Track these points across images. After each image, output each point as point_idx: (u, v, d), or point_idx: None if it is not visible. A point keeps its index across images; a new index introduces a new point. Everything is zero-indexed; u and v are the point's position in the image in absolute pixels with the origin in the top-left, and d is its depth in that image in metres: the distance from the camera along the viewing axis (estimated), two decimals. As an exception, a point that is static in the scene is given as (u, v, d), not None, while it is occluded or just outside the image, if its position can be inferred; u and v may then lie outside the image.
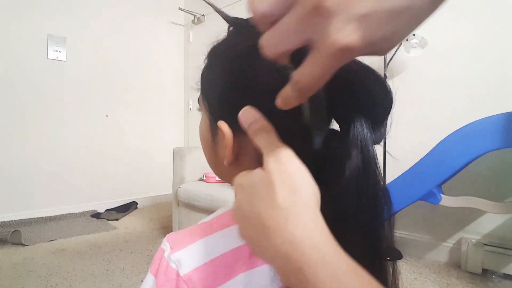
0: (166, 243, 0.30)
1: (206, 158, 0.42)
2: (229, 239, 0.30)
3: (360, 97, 0.30)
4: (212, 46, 0.39)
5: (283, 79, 0.30)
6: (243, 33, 0.37)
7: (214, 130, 0.37)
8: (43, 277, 1.59)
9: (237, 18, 0.39)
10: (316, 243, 0.23)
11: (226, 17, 0.39)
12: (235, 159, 0.36)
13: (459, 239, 1.72)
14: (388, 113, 0.33)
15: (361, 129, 0.31)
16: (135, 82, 3.14)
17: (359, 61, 0.32)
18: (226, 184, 2.06)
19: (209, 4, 0.44)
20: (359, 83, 0.30)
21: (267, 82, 0.32)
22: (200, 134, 0.42)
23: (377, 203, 0.32)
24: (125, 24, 3.05)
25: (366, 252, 0.32)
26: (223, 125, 0.35)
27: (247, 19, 0.37)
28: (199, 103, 0.41)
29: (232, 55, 0.36)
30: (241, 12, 0.38)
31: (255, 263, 0.30)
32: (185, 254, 0.29)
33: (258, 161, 0.35)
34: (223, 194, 1.74)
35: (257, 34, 0.35)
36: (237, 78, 0.34)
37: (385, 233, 0.34)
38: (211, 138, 0.39)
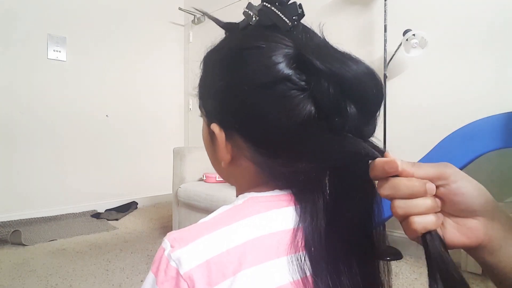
0: (166, 242, 0.30)
1: (210, 160, 0.44)
2: (231, 237, 0.30)
3: (351, 89, 0.31)
4: (206, 53, 0.41)
5: (272, 77, 0.31)
6: (232, 36, 0.39)
7: (212, 134, 0.38)
8: (43, 277, 1.59)
9: (230, 23, 0.40)
10: None
11: (219, 23, 0.41)
12: (232, 160, 0.37)
13: (459, 239, 1.72)
14: (380, 105, 0.33)
15: (353, 120, 0.31)
16: (135, 82, 3.14)
17: (349, 54, 0.33)
18: (226, 184, 2.06)
19: (203, 13, 0.46)
20: (351, 76, 0.30)
21: (255, 80, 0.32)
22: (203, 138, 0.43)
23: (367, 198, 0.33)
24: (125, 24, 3.05)
25: (358, 250, 0.33)
26: (214, 127, 0.36)
27: (237, 23, 0.38)
28: (200, 109, 0.42)
29: (220, 57, 0.37)
30: (240, 12, 0.38)
31: (260, 260, 0.30)
32: (185, 253, 0.29)
33: (254, 162, 0.36)
34: (223, 194, 1.74)
35: (245, 36, 0.35)
36: (226, 77, 0.35)
37: (377, 233, 0.35)
38: (211, 142, 0.40)
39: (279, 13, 0.33)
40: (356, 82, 0.30)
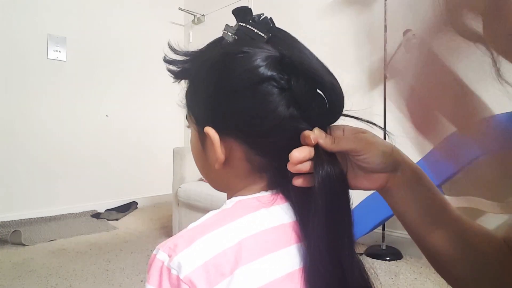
0: (162, 253, 0.30)
1: (199, 169, 0.45)
2: (226, 238, 0.31)
3: (324, 85, 0.36)
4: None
5: (258, 79, 0.34)
6: (216, 43, 0.41)
7: (203, 139, 0.40)
8: (43, 277, 1.59)
9: (212, 42, 0.42)
10: None
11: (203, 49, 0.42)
12: (225, 161, 0.39)
13: (459, 239, 1.71)
14: (339, 114, 0.39)
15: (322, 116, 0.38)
16: (135, 82, 3.14)
17: (326, 66, 0.38)
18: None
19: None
20: (327, 81, 0.36)
21: (241, 82, 0.35)
22: (191, 148, 0.45)
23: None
24: (125, 24, 3.05)
25: (345, 238, 0.36)
26: (209, 130, 0.38)
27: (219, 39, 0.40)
28: (187, 119, 0.43)
29: (209, 63, 0.39)
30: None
31: (255, 256, 0.31)
32: (182, 257, 0.30)
33: (248, 160, 0.37)
34: (223, 194, 1.74)
35: (231, 44, 0.38)
36: (216, 83, 0.37)
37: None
38: (201, 147, 0.42)
39: (254, 29, 0.38)
40: (330, 86, 0.36)
